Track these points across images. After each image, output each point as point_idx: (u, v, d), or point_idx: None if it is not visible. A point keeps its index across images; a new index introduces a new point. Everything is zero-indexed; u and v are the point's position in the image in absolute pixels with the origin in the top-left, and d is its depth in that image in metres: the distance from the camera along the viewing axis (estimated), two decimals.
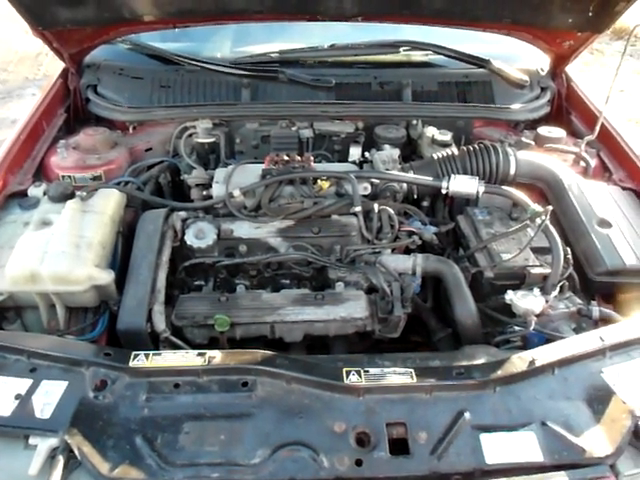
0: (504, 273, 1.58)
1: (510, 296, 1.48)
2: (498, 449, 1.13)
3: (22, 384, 1.17)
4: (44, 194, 1.65)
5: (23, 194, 1.67)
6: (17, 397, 1.14)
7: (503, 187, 1.69)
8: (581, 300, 1.56)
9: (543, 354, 1.28)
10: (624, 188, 1.86)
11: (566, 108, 2.26)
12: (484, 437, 1.14)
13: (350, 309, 1.50)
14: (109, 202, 1.63)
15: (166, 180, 1.96)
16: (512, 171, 1.78)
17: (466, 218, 1.79)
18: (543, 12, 1.87)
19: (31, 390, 1.16)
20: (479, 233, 1.70)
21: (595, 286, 1.61)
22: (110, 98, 2.08)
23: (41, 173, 1.82)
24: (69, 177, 1.78)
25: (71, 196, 1.62)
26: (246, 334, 1.50)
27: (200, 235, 1.61)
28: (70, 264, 1.42)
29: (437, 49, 2.13)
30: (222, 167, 1.86)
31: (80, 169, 1.80)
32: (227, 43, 2.25)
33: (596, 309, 1.49)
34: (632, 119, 5.07)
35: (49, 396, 1.15)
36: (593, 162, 1.95)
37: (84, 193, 1.62)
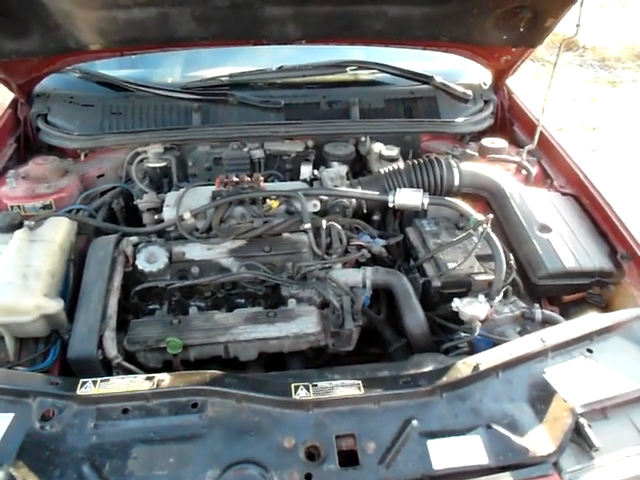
0: (450, 282, 1.63)
1: (456, 303, 1.53)
2: (445, 454, 1.16)
3: None
4: None
5: None
6: None
7: (447, 198, 1.75)
8: (526, 304, 1.62)
9: (487, 358, 1.33)
10: (564, 194, 1.95)
11: (509, 119, 2.36)
12: (431, 443, 1.17)
13: (302, 325, 1.52)
14: (58, 230, 1.63)
15: (119, 206, 1.96)
16: (456, 182, 1.85)
17: (414, 230, 1.85)
18: (477, 30, 1.96)
19: None
20: (427, 243, 1.75)
21: (539, 289, 1.68)
22: (61, 126, 2.09)
23: None
24: (18, 207, 1.78)
25: (19, 226, 1.61)
26: (200, 355, 1.51)
27: (151, 259, 1.62)
28: (17, 294, 1.41)
29: (382, 67, 2.20)
30: (175, 190, 1.88)
31: (29, 198, 1.80)
32: (178, 68, 2.29)
33: (539, 312, 1.55)
34: (584, 126, 5.29)
35: None
36: (534, 170, 2.04)
37: (32, 222, 1.62)
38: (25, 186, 1.84)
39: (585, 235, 1.76)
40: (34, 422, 1.16)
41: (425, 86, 2.26)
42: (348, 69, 2.21)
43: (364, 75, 2.30)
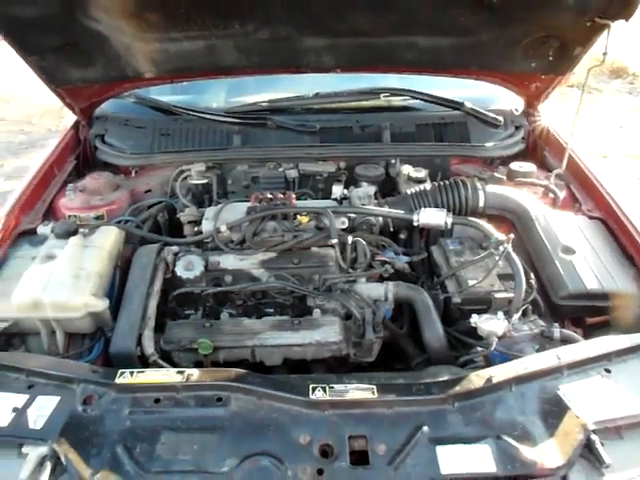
0: (471, 298, 1.68)
1: (475, 319, 1.57)
2: (453, 461, 1.20)
3: (19, 399, 1.30)
4: (51, 232, 1.83)
5: (33, 232, 1.86)
6: (14, 410, 1.27)
7: (470, 218, 1.81)
8: (546, 323, 1.64)
9: (501, 372, 1.37)
10: (592, 217, 1.96)
11: (540, 145, 2.40)
12: (440, 449, 1.22)
13: (325, 333, 1.61)
14: (108, 238, 1.80)
15: (164, 218, 2.13)
16: (481, 204, 1.91)
17: (439, 248, 1.91)
18: (507, 59, 2.04)
19: (27, 404, 1.29)
20: (449, 261, 1.81)
21: (560, 310, 1.70)
22: (116, 146, 2.30)
23: (50, 214, 2.01)
24: (75, 216, 1.97)
25: (75, 233, 1.80)
26: (229, 358, 1.62)
27: (189, 267, 1.76)
28: (69, 293, 1.57)
29: (414, 94, 2.30)
30: (214, 206, 2.03)
31: (85, 209, 1.99)
32: (222, 94, 2.48)
33: (557, 330, 1.57)
34: (631, 154, 5.18)
35: (42, 410, 1.28)
36: (562, 194, 2.06)
37: (86, 230, 1.80)
38: (82, 198, 2.03)
39: (610, 258, 1.77)
40: (77, 405, 1.29)
41: (455, 111, 2.34)
42: (381, 95, 2.32)
43: (396, 101, 2.41)
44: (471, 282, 1.70)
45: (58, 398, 1.31)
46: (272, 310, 1.81)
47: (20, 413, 1.27)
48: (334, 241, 1.77)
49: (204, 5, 1.72)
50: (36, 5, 1.64)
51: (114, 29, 1.82)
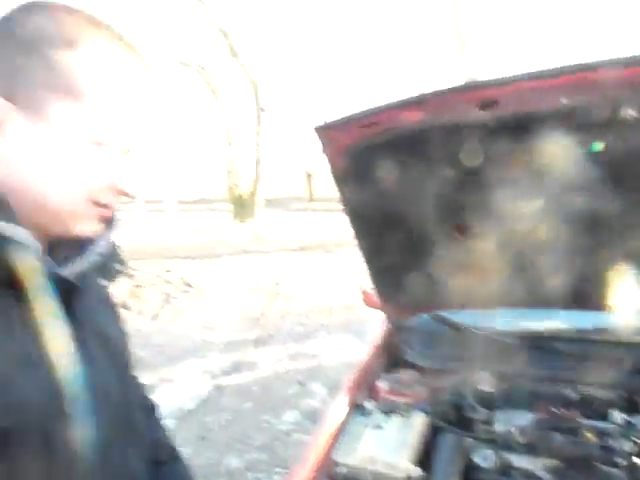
0: None
1: None
2: None
3: None
4: (376, 408, 2.46)
5: (362, 406, 2.52)
6: None
7: None
8: None
9: None
10: None
11: None
12: None
13: None
14: (418, 420, 2.34)
15: (452, 414, 2.59)
16: None
17: None
18: None
19: None
20: None
21: None
22: (417, 351, 2.97)
23: (372, 394, 2.68)
24: (390, 400, 2.59)
25: (392, 412, 2.39)
26: None
27: (486, 458, 2.14)
28: (396, 456, 2.10)
29: None
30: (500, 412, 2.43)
31: (397, 395, 2.61)
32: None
33: None
34: None
35: None
36: None
37: (402, 411, 2.38)
38: (395, 387, 2.68)
39: None
40: None
41: None
42: None
43: None
44: None
45: None
46: None
47: None
48: (622, 461, 1.97)
49: None
50: None
51: None
